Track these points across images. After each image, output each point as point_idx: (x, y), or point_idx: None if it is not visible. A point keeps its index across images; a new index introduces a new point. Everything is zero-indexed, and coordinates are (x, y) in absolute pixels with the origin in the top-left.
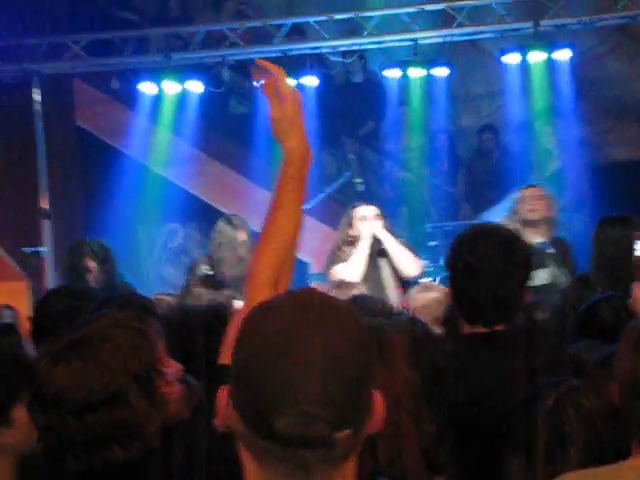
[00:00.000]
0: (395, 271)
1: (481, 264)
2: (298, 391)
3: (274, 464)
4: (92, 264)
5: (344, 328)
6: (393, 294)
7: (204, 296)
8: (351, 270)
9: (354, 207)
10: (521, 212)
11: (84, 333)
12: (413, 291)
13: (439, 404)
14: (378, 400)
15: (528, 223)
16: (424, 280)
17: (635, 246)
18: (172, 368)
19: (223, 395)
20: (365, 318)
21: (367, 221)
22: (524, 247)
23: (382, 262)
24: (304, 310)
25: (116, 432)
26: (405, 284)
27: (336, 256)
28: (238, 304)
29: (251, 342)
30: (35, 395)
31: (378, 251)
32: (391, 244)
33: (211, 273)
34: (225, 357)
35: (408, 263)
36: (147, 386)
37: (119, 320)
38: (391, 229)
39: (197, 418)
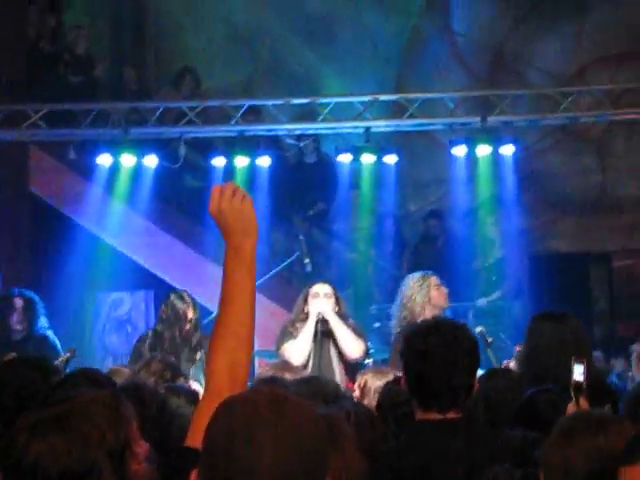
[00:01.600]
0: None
1: (435, 353)
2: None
3: None
4: (19, 304)
5: (298, 423)
6: (339, 373)
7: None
8: (296, 349)
9: (311, 285)
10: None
11: (64, 408)
12: (368, 375)
13: None
14: None
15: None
16: (369, 361)
17: (573, 369)
18: (142, 448)
19: (194, 477)
20: (318, 408)
21: (318, 299)
22: (471, 336)
23: (329, 341)
24: (260, 403)
25: None
26: (353, 365)
27: (287, 332)
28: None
29: (211, 435)
30: (13, 466)
31: (324, 331)
32: (336, 325)
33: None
34: (191, 440)
35: (351, 345)
36: (120, 464)
37: (98, 398)
38: (344, 309)
39: None
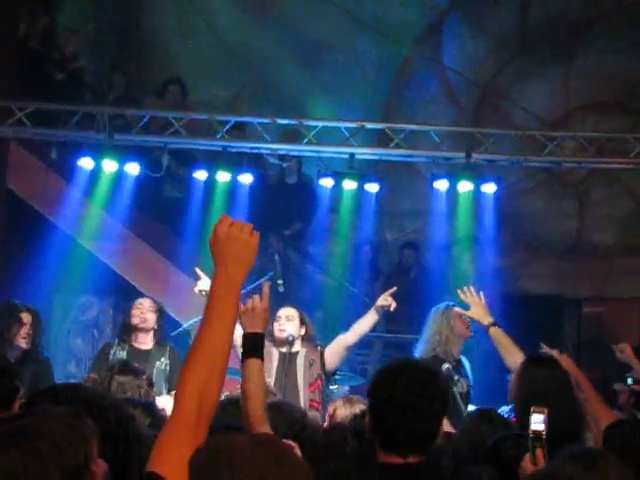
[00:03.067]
0: (307, 370)
1: (400, 397)
2: None
3: None
4: (27, 319)
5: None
6: (303, 393)
7: (127, 385)
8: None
9: (280, 307)
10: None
11: (23, 424)
12: (338, 403)
13: None
14: None
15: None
16: (334, 387)
17: (531, 419)
18: (100, 467)
19: None
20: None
21: (280, 321)
22: (443, 383)
23: (294, 363)
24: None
25: None
26: (317, 387)
27: None
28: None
29: None
30: None
31: (290, 353)
32: None
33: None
34: (154, 464)
35: None
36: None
37: (58, 415)
38: (311, 331)
39: None
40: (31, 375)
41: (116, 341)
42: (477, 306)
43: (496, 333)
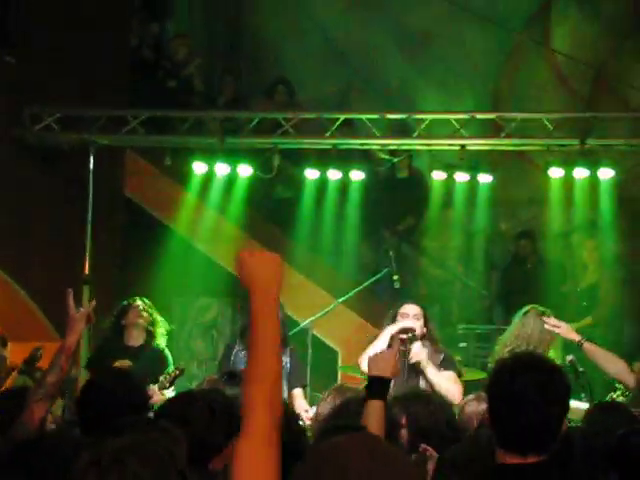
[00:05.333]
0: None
1: (520, 395)
2: None
3: None
4: (140, 321)
5: (405, 471)
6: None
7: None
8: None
9: (402, 304)
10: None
11: (134, 437)
12: (468, 398)
13: None
14: None
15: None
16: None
17: None
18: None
19: None
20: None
21: (407, 319)
22: (564, 381)
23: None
24: (369, 453)
25: None
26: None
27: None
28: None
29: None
30: None
31: (413, 365)
32: (432, 375)
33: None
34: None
35: (449, 393)
36: None
37: (155, 427)
38: (434, 331)
39: None
40: (145, 364)
41: (237, 341)
42: (564, 327)
43: (590, 347)
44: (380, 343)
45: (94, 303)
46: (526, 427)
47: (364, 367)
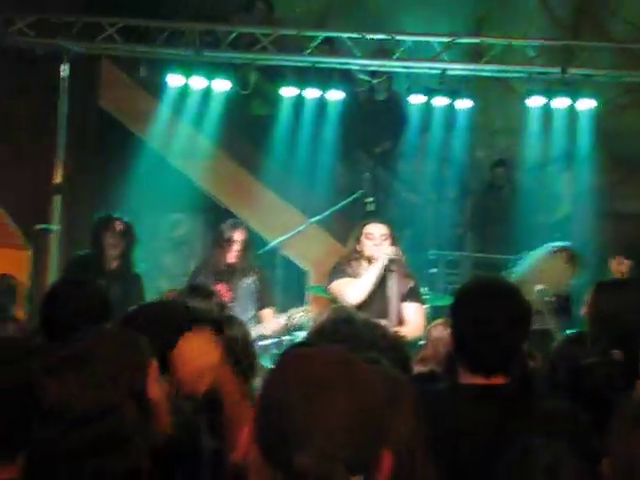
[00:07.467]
0: (399, 286)
1: (484, 316)
2: (321, 433)
3: None
4: (114, 241)
5: (371, 383)
6: (394, 316)
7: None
8: (358, 289)
9: (365, 224)
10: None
11: (79, 348)
12: (437, 322)
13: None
14: (387, 458)
15: None
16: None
17: None
18: (156, 394)
19: (247, 431)
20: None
21: (374, 240)
22: (525, 301)
23: (389, 279)
24: (334, 363)
25: (108, 443)
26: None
27: (340, 270)
28: None
29: (281, 385)
30: (35, 408)
31: (385, 267)
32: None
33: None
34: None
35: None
36: (140, 400)
37: (114, 336)
38: (399, 250)
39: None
40: (121, 292)
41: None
42: None
43: None
44: (372, 275)
45: None
46: (492, 347)
47: (343, 293)
